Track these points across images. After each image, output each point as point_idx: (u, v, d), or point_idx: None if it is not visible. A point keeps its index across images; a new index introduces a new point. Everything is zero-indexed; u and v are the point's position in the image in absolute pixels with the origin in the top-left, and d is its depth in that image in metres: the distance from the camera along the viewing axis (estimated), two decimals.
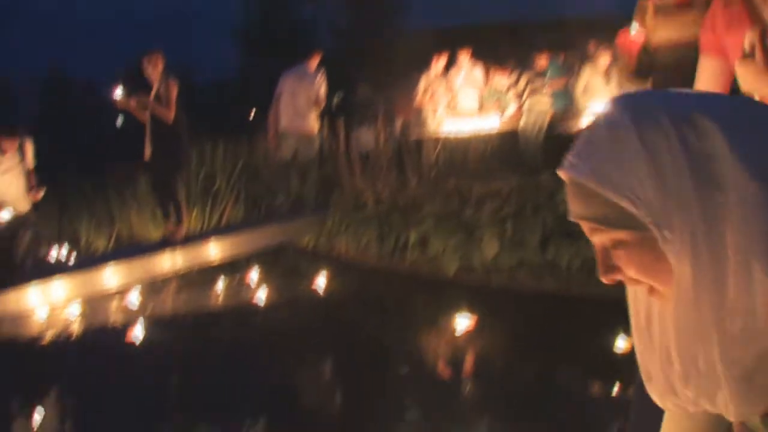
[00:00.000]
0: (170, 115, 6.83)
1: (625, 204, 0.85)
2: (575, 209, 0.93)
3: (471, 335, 5.02)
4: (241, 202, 8.69)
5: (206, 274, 7.10)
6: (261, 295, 6.34)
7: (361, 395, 4.35)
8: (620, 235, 0.89)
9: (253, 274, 6.78)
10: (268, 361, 5.01)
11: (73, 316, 6.14)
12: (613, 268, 0.93)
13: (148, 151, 7.05)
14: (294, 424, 3.92)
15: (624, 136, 0.86)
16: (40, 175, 6.52)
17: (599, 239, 0.93)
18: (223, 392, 4.40)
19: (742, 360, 0.86)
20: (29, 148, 6.42)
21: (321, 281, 6.45)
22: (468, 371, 4.59)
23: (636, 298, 1.01)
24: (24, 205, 6.38)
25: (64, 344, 5.67)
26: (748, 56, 1.62)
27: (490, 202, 6.68)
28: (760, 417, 1.05)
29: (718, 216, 0.82)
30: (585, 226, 0.93)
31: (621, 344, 4.44)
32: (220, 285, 6.74)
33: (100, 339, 5.70)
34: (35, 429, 4.25)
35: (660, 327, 0.98)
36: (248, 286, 6.65)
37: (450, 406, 4.05)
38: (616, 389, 4.08)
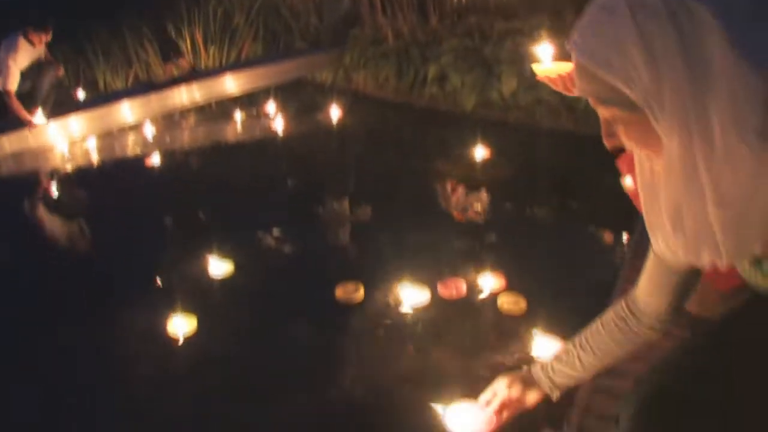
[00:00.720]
0: None
1: (620, 86, 0.94)
2: (579, 85, 1.03)
3: (485, 166, 5.06)
4: (260, 39, 8.58)
5: (223, 107, 7.17)
6: (278, 126, 6.39)
7: (374, 217, 4.46)
8: (618, 112, 0.99)
9: (270, 107, 6.79)
10: (284, 184, 5.12)
11: (92, 148, 6.25)
12: (613, 135, 1.06)
13: None
14: (309, 243, 4.02)
15: (621, 22, 0.91)
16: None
17: (601, 112, 1.04)
18: (240, 211, 4.53)
19: (733, 204, 0.94)
20: (49, 36, 6.26)
21: (338, 115, 6.44)
22: (479, 200, 4.64)
23: (641, 155, 1.12)
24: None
25: (86, 171, 5.85)
26: None
27: (510, 40, 6.53)
28: (749, 261, 1.18)
29: (707, 96, 0.87)
30: (590, 100, 1.03)
31: (629, 182, 4.44)
32: (237, 116, 6.78)
33: (120, 166, 5.86)
34: (64, 247, 4.45)
35: (658, 184, 1.09)
36: (265, 117, 6.68)
37: (458, 232, 4.12)
38: (622, 223, 4.12)
